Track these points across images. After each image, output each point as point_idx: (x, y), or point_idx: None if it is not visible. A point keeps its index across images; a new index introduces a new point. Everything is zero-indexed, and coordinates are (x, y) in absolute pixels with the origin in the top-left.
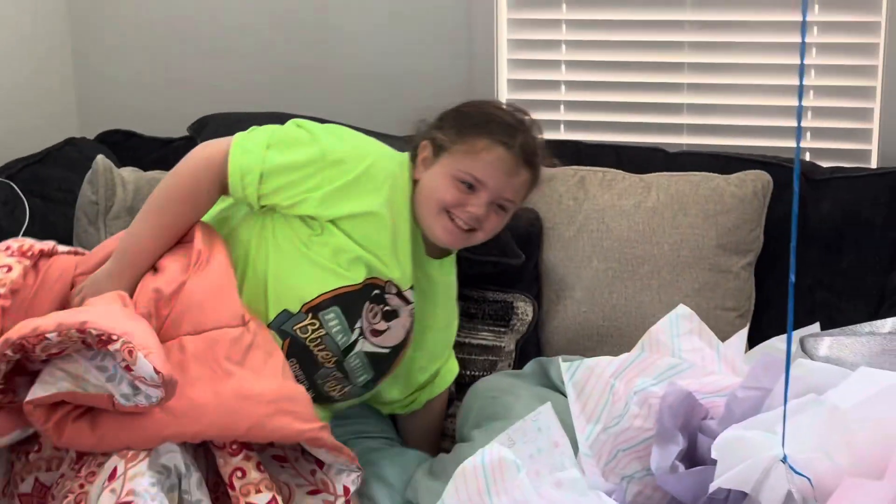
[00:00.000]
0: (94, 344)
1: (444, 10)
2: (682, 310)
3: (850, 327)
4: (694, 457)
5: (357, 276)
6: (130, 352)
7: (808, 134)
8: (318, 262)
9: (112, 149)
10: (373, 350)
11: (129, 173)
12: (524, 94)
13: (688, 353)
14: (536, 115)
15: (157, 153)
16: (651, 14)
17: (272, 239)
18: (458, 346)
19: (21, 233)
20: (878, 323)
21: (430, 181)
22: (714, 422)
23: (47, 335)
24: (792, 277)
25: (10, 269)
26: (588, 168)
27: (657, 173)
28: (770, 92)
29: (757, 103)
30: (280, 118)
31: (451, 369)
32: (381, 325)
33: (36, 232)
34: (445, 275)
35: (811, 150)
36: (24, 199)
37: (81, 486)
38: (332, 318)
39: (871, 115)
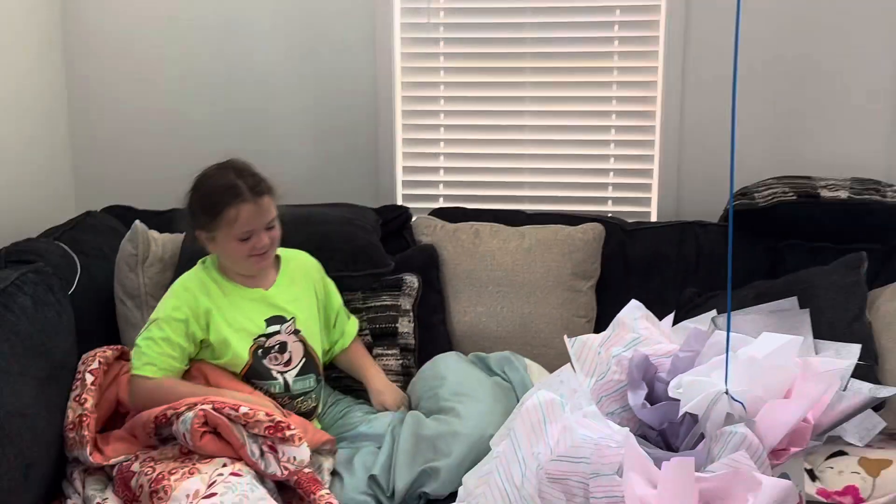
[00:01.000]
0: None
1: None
2: (634, 303)
3: (740, 311)
4: (652, 397)
5: (244, 353)
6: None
7: (609, 198)
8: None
9: (118, 219)
10: (295, 374)
11: (156, 234)
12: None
13: (642, 330)
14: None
15: (152, 221)
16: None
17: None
18: (367, 309)
19: (76, 279)
20: (751, 308)
21: (225, 250)
22: (663, 374)
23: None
24: (729, 276)
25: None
26: (480, 223)
27: (526, 226)
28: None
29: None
30: None
31: (353, 325)
32: (284, 358)
33: (84, 279)
34: (287, 284)
35: (612, 210)
36: (75, 256)
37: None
38: (260, 384)
39: (650, 188)
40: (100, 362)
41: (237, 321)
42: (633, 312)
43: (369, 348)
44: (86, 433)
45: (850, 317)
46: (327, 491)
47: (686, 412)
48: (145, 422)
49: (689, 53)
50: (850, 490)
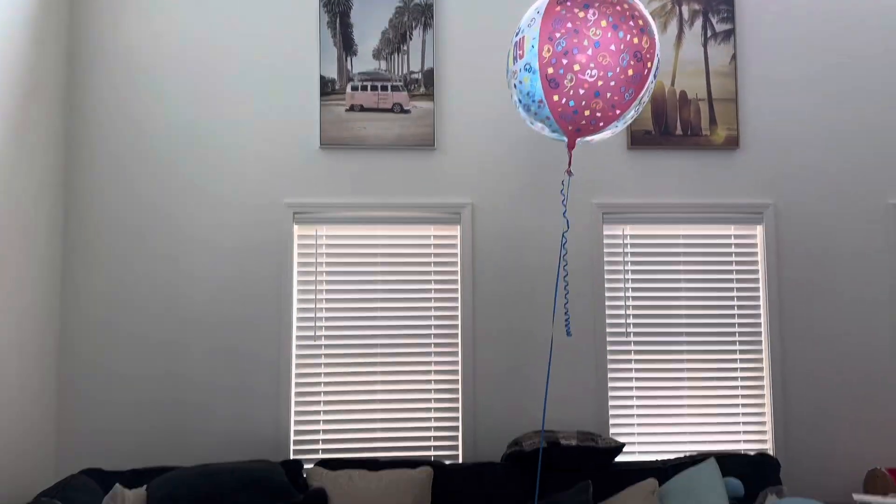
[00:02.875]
0: None
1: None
2: None
3: None
4: None
5: None
6: None
7: (432, 446)
8: None
9: (93, 478)
10: None
11: (129, 492)
12: (302, 437)
13: None
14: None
15: (118, 478)
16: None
17: None
18: None
19: None
20: None
21: None
22: None
23: None
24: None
25: None
26: (352, 469)
27: (383, 470)
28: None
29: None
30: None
31: None
32: None
33: None
34: None
35: (434, 454)
36: None
37: None
38: None
39: (458, 438)
40: None
41: None
42: None
43: None
44: None
45: None
46: None
47: None
48: None
49: (477, 345)
50: None
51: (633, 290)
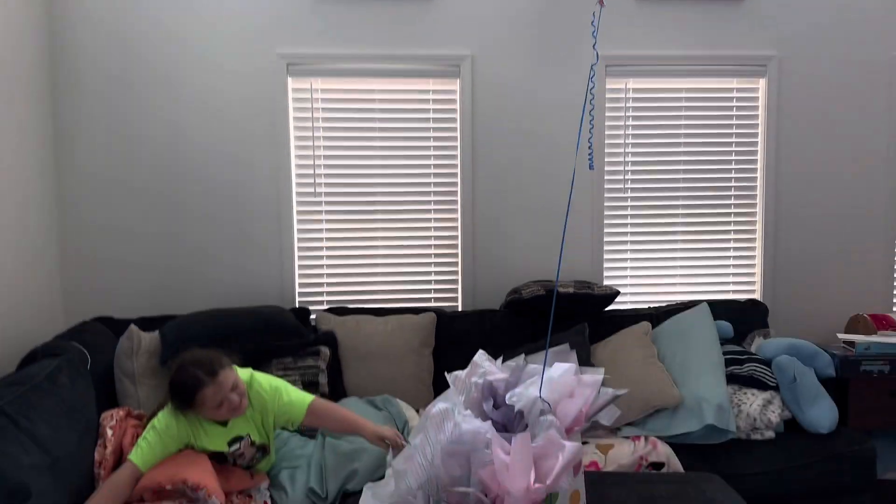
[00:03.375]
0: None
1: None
2: (481, 352)
3: (539, 353)
4: (496, 404)
5: (222, 446)
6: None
7: (432, 297)
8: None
9: (103, 324)
10: (246, 464)
11: (144, 333)
12: (307, 289)
13: (487, 367)
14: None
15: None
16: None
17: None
18: (297, 367)
19: (88, 365)
20: (549, 349)
21: (207, 416)
22: (501, 390)
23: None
24: (549, 333)
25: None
26: (358, 315)
27: (387, 316)
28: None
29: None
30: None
31: (301, 397)
32: (240, 460)
33: (93, 363)
34: (251, 416)
35: (434, 305)
36: (85, 350)
37: None
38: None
39: (457, 290)
40: (116, 420)
41: (207, 447)
42: (481, 357)
43: None
44: (103, 472)
45: (581, 360)
46: None
47: (517, 410)
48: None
49: (477, 208)
50: (593, 464)
51: (633, 144)
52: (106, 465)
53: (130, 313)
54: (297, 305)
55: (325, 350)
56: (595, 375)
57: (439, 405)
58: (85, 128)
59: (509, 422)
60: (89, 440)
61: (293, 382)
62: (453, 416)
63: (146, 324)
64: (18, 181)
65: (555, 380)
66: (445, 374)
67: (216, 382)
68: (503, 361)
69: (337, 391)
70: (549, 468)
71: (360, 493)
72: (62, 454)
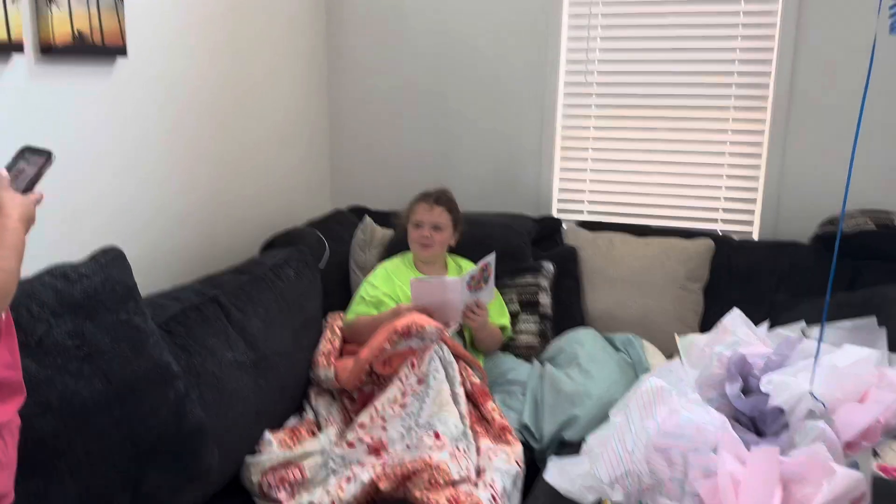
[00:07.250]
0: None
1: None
2: (736, 311)
3: (827, 324)
4: (745, 390)
5: None
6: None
7: (720, 219)
8: None
9: (356, 215)
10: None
11: (378, 227)
12: (566, 196)
13: (741, 334)
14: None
15: (377, 218)
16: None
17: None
18: (514, 284)
19: (325, 256)
20: (837, 322)
21: (407, 232)
22: (756, 371)
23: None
24: (826, 306)
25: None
26: (614, 233)
27: (651, 237)
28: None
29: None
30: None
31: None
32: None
33: (333, 253)
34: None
35: (722, 228)
36: (325, 240)
37: None
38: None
39: (754, 213)
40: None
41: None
42: (735, 319)
43: (514, 315)
44: (332, 360)
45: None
46: (494, 405)
47: (775, 405)
48: (365, 359)
49: (793, 109)
50: None
51: None
52: (331, 355)
53: (387, 203)
54: (553, 214)
55: (549, 266)
56: None
57: (652, 381)
58: (355, 26)
59: (760, 418)
60: (305, 337)
61: (509, 302)
62: (670, 399)
63: (387, 217)
64: (293, 73)
65: (841, 370)
66: (676, 336)
67: (433, 208)
68: (786, 322)
69: (572, 317)
70: (804, 500)
71: (578, 445)
72: (270, 352)
